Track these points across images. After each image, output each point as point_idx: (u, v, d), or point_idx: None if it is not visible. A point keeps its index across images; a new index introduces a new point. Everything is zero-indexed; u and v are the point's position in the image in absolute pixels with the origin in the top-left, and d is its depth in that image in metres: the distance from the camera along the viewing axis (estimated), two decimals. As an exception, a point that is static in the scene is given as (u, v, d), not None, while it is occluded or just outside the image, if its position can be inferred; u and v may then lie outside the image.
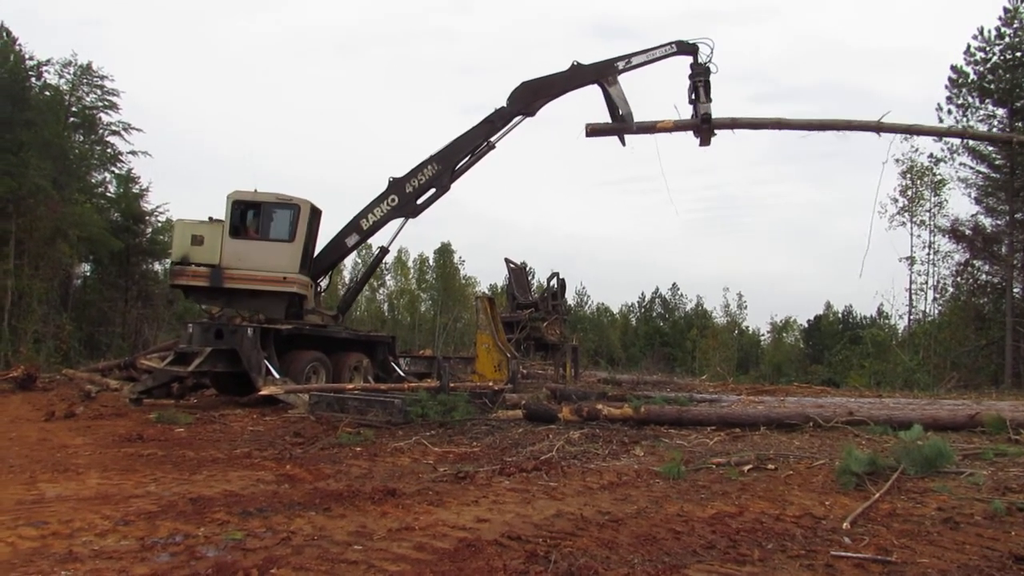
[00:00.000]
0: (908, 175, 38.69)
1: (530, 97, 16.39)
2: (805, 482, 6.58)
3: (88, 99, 36.69)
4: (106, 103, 36.82)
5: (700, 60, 16.71)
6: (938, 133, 17.29)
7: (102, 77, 36.30)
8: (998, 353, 32.18)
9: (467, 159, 16.58)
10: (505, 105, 16.35)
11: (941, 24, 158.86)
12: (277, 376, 13.67)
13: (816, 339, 74.18)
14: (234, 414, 12.46)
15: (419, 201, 16.40)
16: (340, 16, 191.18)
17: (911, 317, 39.63)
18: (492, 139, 16.54)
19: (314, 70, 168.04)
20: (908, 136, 37.05)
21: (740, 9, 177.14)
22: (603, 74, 16.54)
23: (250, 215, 15.54)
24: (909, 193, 38.87)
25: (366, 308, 66.40)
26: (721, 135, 16.75)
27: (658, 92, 17.93)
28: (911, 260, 38.52)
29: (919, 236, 38.75)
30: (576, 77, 16.58)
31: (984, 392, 20.84)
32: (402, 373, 17.15)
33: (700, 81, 16.52)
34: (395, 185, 16.25)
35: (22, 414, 12.34)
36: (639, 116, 16.64)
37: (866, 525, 5.07)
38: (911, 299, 39.18)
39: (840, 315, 78.87)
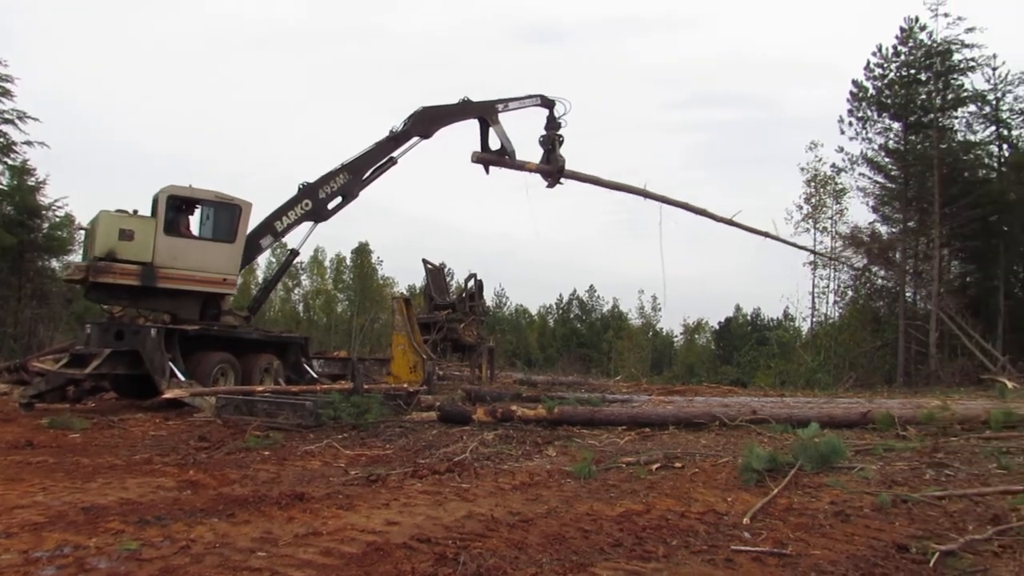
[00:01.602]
0: (812, 183, 40.54)
1: (427, 122, 17.70)
2: (710, 479, 6.79)
3: (-22, 86, 34.53)
4: (-1, 90, 34.75)
5: (556, 115, 19.69)
6: (706, 215, 21.13)
7: (-6, 62, 34.24)
8: (892, 354, 33.99)
9: (372, 172, 17.38)
10: (404, 125, 17.48)
11: (849, 41, 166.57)
12: (182, 378, 13.19)
13: (726, 340, 76.59)
14: (135, 418, 11.93)
15: (329, 207, 16.80)
16: (265, 10, 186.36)
17: (814, 319, 41.51)
18: (394, 155, 17.56)
19: (237, 64, 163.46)
20: (813, 145, 38.86)
21: (663, 18, 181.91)
22: (487, 112, 18.77)
23: (186, 212, 15.00)
24: (813, 201, 40.72)
25: (280, 308, 64.87)
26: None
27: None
28: (814, 265, 40.33)
29: (822, 242, 40.62)
30: (466, 110, 18.56)
31: (877, 391, 21.99)
32: (315, 375, 16.78)
33: (556, 135, 19.61)
34: (308, 191, 16.48)
35: (-102, 420, 11.50)
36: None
37: (765, 520, 5.27)
38: (814, 302, 41.07)
39: (749, 317, 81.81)
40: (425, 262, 25.54)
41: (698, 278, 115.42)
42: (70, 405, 13.72)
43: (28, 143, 36.12)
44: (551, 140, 19.66)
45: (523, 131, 19.86)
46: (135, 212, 14.42)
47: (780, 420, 9.88)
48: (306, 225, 16.60)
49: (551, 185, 19.89)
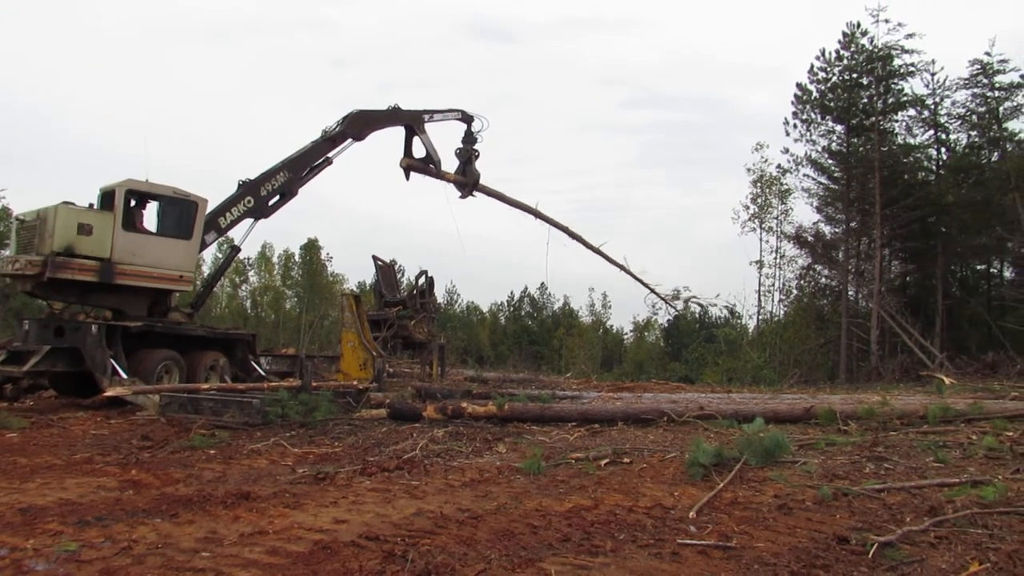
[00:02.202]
0: (758, 184, 41.39)
1: (361, 125, 18.22)
2: (657, 474, 6.89)
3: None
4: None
5: (473, 130, 21.03)
6: (580, 240, 24.06)
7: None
8: (835, 351, 34.95)
9: (309, 171, 17.73)
10: (338, 126, 17.88)
11: (796, 45, 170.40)
12: (124, 376, 12.86)
13: (675, 338, 77.55)
14: (75, 417, 11.60)
15: (270, 204, 16.93)
16: (214, 2, 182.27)
17: (760, 317, 42.42)
18: (330, 155, 17.98)
19: (184, 56, 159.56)
20: (759, 147, 39.64)
21: (617, 19, 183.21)
22: (415, 121, 19.71)
23: (143, 207, 14.63)
24: (759, 201, 41.58)
25: (227, 305, 63.69)
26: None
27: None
28: (760, 264, 41.26)
29: (767, 241, 41.57)
30: (395, 117, 19.40)
31: (820, 387, 22.57)
32: (262, 372, 16.54)
33: (472, 149, 20.95)
34: (250, 187, 16.49)
35: None
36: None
37: (711, 513, 5.37)
38: (760, 300, 41.99)
39: (698, 315, 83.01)
40: (375, 259, 25.38)
41: (648, 278, 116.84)
42: (8, 403, 13.29)
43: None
44: (467, 153, 20.93)
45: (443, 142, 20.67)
46: (91, 206, 14.02)
47: (727, 416, 10.06)
48: (247, 221, 16.62)
49: (463, 196, 21.03)
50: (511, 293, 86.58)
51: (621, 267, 24.17)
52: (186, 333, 15.09)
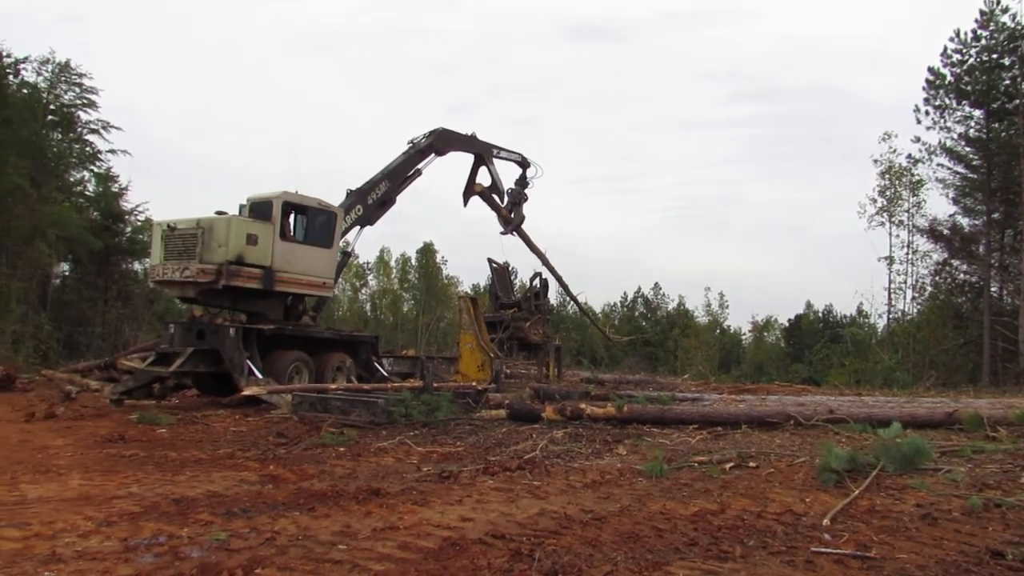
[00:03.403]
0: (887, 176, 39.13)
1: (444, 142, 19.69)
2: (786, 479, 6.66)
3: (66, 97, 36.23)
4: (84, 101, 36.38)
5: (527, 175, 22.79)
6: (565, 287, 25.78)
7: (80, 75, 35.84)
8: (976, 351, 32.62)
9: (403, 181, 18.84)
10: (424, 139, 19.22)
11: (916, 28, 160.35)
12: (260, 376, 13.59)
13: (797, 338, 74.72)
14: (216, 415, 12.38)
15: (376, 212, 18.11)
16: (322, 15, 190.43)
17: (890, 316, 40.08)
18: (420, 167, 19.17)
19: (296, 69, 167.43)
20: (886, 136, 37.60)
21: (720, 10, 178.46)
22: (486, 152, 21.34)
23: (294, 218, 15.58)
24: (888, 194, 39.30)
25: (348, 308, 66.15)
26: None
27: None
28: (890, 260, 38.95)
29: (898, 236, 39.18)
30: (471, 144, 20.97)
31: (962, 390, 21.11)
32: (385, 373, 17.11)
33: (523, 193, 22.70)
34: (357, 196, 17.52)
35: (1, 415, 12.19)
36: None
37: (846, 521, 5.14)
38: (890, 298, 39.62)
39: (820, 314, 79.53)
40: (490, 261, 25.73)
41: (766, 274, 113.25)
42: (156, 401, 14.31)
43: (111, 151, 37.78)
44: (518, 196, 22.65)
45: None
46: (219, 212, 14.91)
47: (859, 420, 9.59)
48: (355, 227, 17.60)
49: (504, 233, 22.68)
50: (624, 293, 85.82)
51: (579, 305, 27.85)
52: (314, 335, 15.82)
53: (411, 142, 19.27)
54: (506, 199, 22.49)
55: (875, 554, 4.36)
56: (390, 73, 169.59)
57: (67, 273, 38.28)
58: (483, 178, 21.67)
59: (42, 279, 32.80)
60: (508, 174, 22.70)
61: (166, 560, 4.20)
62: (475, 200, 21.89)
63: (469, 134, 20.91)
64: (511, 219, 22.39)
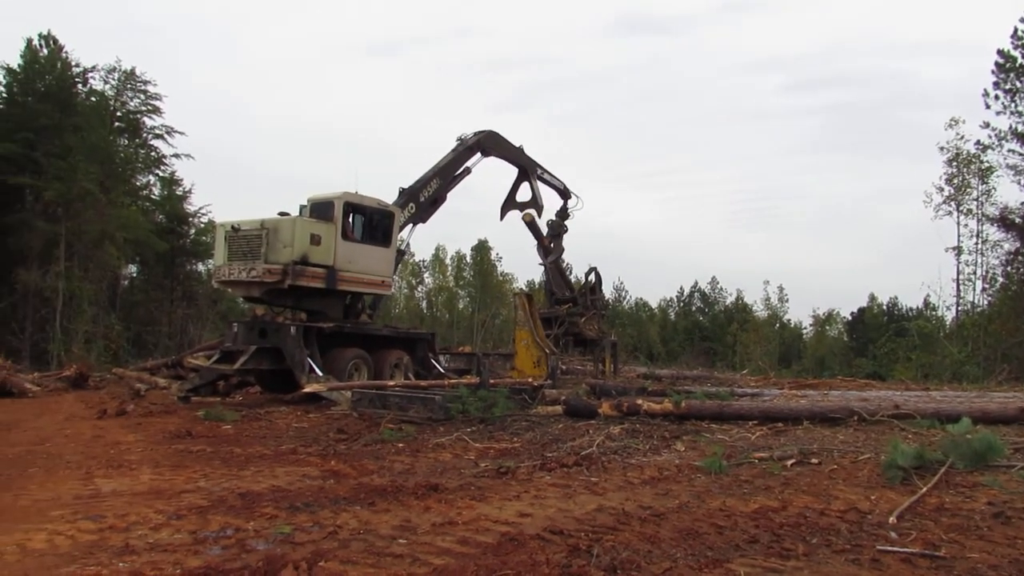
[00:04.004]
0: (954, 163, 37.74)
1: (492, 143, 20.15)
2: (850, 476, 6.51)
3: (132, 104, 37.55)
4: (149, 107, 37.65)
5: (568, 206, 23.51)
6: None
7: (145, 82, 37.13)
8: (1051, 345, 31.28)
9: (453, 179, 19.09)
10: (473, 137, 19.57)
11: (982, 9, 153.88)
12: (320, 373, 13.87)
13: (860, 332, 72.78)
14: (279, 411, 12.69)
15: (428, 210, 18.44)
16: (369, 19, 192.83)
17: (959, 308, 38.64)
18: (469, 164, 19.51)
19: (344, 72, 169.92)
20: (953, 122, 36.33)
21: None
22: (531, 168, 21.81)
23: (353, 218, 15.91)
24: (955, 182, 37.89)
25: (405, 306, 66.91)
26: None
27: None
28: (958, 250, 37.54)
29: (966, 225, 37.74)
30: (518, 156, 21.40)
31: (1036, 384, 20.29)
32: (442, 370, 17.27)
33: (564, 225, 23.56)
34: (410, 194, 17.83)
35: (76, 412, 12.71)
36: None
37: (913, 520, 5.00)
38: (959, 290, 38.16)
39: (885, 307, 77.25)
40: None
41: (826, 269, 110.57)
42: (221, 398, 14.74)
43: (176, 156, 38.97)
44: (559, 228, 23.42)
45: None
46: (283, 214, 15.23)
47: (926, 415, 9.30)
48: (408, 225, 17.93)
49: (541, 264, 23.76)
50: (680, 288, 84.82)
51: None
52: (373, 333, 16.07)
53: (460, 139, 19.51)
54: (544, 227, 23.14)
55: (944, 553, 4.23)
56: (440, 73, 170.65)
57: (135, 275, 39.70)
58: (522, 194, 22.12)
59: (111, 281, 34.06)
60: (549, 204, 23.25)
61: (233, 552, 4.33)
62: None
63: (519, 147, 21.22)
64: (551, 251, 23.12)
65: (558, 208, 23.60)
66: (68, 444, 8.99)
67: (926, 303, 53.54)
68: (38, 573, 3.94)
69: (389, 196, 17.17)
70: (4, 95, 32.36)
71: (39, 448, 8.61)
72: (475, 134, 19.63)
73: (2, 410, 12.59)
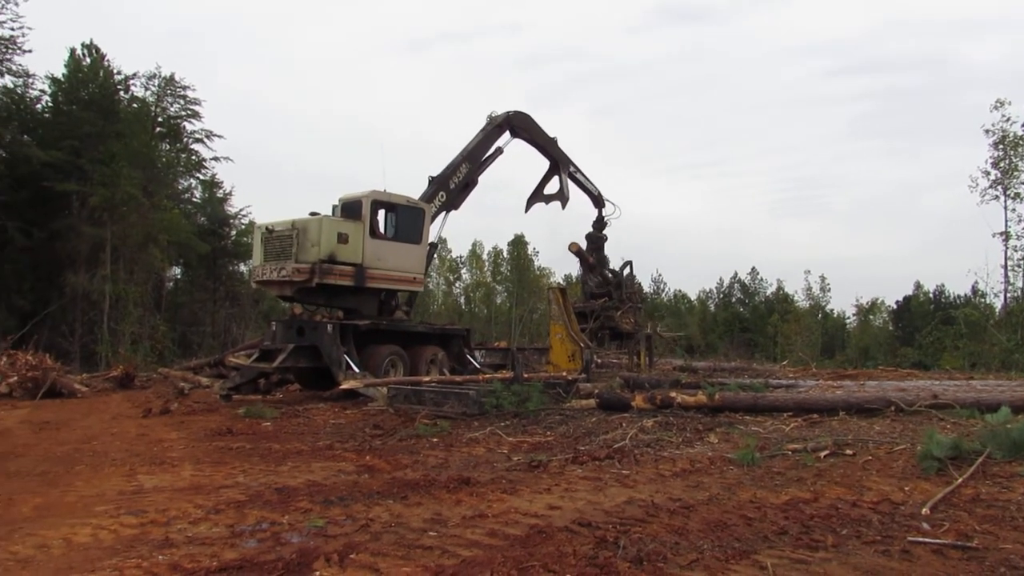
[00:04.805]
0: (1000, 146, 36.70)
1: (522, 123, 19.50)
2: (884, 468, 6.43)
3: (172, 109, 38.36)
4: (189, 112, 38.43)
5: (604, 215, 22.58)
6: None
7: (184, 88, 37.90)
8: (1104, 331, 30.31)
9: (484, 160, 18.62)
10: (503, 115, 18.94)
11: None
12: (357, 370, 14.04)
13: (906, 320, 71.20)
14: (317, 408, 12.90)
15: (459, 196, 18.10)
16: (404, 16, 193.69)
17: (1007, 295, 37.63)
18: (500, 144, 18.94)
19: (387, 69, 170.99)
20: (999, 104, 35.40)
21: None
22: (563, 162, 20.83)
23: (383, 216, 16.09)
24: (1002, 165, 36.85)
25: (443, 302, 67.27)
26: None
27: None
28: (1006, 235, 36.47)
29: (1014, 210, 36.67)
30: (550, 146, 20.50)
31: (1088, 372, 19.73)
32: (477, 365, 17.37)
33: (603, 236, 22.77)
34: (440, 183, 17.54)
35: (122, 411, 13.08)
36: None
37: (947, 511, 4.95)
38: (1007, 276, 37.13)
39: (931, 295, 75.49)
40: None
41: (868, 257, 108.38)
42: (262, 396, 15.01)
43: (215, 159, 39.72)
44: (599, 240, 22.76)
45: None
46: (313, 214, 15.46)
47: (965, 405, 9.11)
48: (440, 216, 17.65)
49: (586, 280, 23.27)
50: (720, 279, 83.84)
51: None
52: (408, 329, 16.23)
53: (489, 117, 19.05)
54: (584, 243, 22.73)
55: (977, 544, 4.19)
56: (473, 68, 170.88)
57: (179, 276, 40.57)
58: (550, 189, 21.34)
59: (156, 283, 34.88)
60: (582, 209, 22.64)
61: (268, 545, 4.46)
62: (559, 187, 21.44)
63: (554, 137, 20.52)
64: (595, 266, 22.71)
65: (594, 219, 22.84)
66: (113, 442, 9.28)
67: (974, 290, 52.14)
68: (83, 565, 4.11)
69: (419, 190, 17.21)
70: (50, 104, 33.33)
71: (86, 446, 8.90)
72: (506, 112, 19.15)
73: (52, 411, 13.00)
